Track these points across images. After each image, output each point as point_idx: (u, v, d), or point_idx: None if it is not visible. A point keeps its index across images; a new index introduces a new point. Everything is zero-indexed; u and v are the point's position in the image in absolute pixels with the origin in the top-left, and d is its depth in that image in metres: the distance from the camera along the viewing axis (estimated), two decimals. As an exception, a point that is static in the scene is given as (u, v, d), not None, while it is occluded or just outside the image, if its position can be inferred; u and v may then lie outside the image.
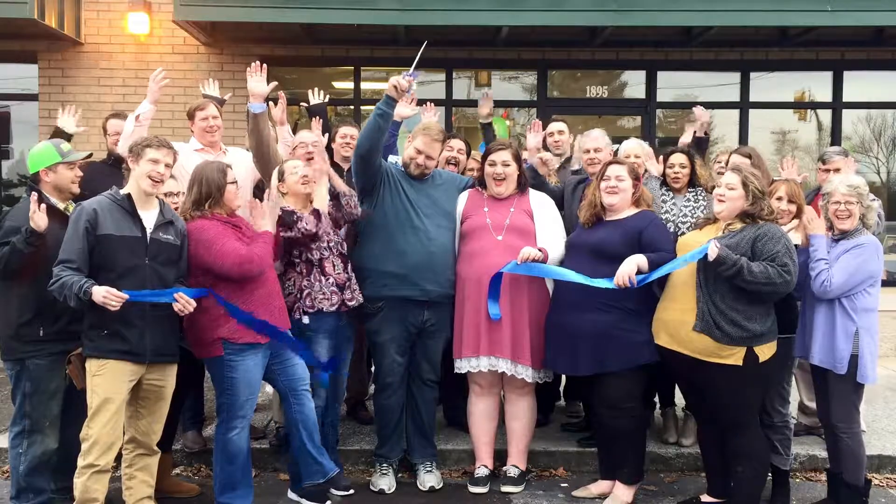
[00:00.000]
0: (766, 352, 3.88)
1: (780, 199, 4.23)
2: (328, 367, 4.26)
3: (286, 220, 4.15)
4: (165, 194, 3.98)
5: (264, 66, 4.68)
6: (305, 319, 4.16)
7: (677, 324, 3.93)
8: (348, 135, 5.17)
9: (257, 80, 4.61)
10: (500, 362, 4.34)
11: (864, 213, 4.04)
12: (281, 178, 4.29)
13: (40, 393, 3.86)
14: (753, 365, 3.84)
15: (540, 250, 4.20)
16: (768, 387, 4.09)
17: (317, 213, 4.20)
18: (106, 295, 3.43)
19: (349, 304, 4.27)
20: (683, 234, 4.52)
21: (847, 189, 4.00)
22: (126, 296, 3.47)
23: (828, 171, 5.00)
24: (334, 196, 4.32)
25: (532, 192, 4.56)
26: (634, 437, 4.24)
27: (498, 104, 9.14)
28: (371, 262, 4.39)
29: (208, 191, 3.87)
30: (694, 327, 3.86)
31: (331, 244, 4.27)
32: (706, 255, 3.77)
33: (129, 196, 3.67)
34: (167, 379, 3.79)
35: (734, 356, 3.82)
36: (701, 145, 5.39)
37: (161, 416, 3.83)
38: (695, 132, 5.46)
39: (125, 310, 3.50)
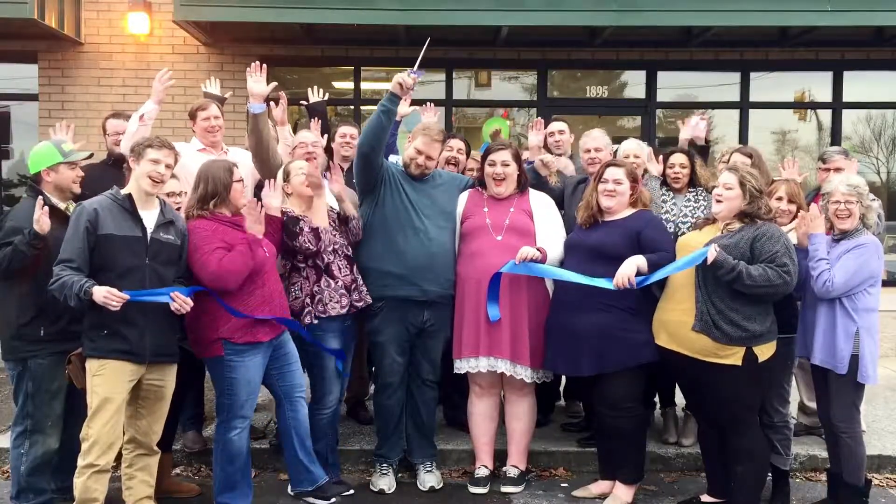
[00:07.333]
0: (765, 352, 3.89)
1: (780, 199, 4.24)
2: (340, 356, 4.28)
3: (289, 227, 4.14)
4: (168, 194, 3.99)
5: (264, 66, 4.66)
6: (315, 321, 4.16)
7: (677, 324, 3.94)
8: (348, 134, 5.18)
9: (257, 81, 4.58)
10: (499, 363, 4.34)
11: (864, 213, 4.03)
12: (286, 179, 4.28)
13: (42, 393, 3.86)
14: (752, 365, 3.85)
15: (539, 250, 4.20)
16: (768, 387, 4.09)
17: (316, 232, 4.16)
18: (107, 295, 3.42)
19: (357, 304, 4.27)
20: (684, 234, 4.53)
21: (847, 189, 3.99)
22: (126, 296, 3.47)
23: (828, 170, 5.00)
24: (343, 220, 4.32)
25: (532, 192, 4.56)
26: (635, 436, 4.25)
27: (498, 104, 9.20)
28: (371, 261, 4.39)
29: (214, 189, 3.87)
30: (693, 327, 3.87)
31: (336, 247, 4.26)
32: (706, 257, 3.78)
33: (129, 196, 3.67)
34: (167, 379, 3.79)
35: (733, 356, 3.83)
36: (702, 153, 5.37)
37: (161, 416, 3.83)
38: (695, 141, 5.42)
39: (125, 310, 3.50)
